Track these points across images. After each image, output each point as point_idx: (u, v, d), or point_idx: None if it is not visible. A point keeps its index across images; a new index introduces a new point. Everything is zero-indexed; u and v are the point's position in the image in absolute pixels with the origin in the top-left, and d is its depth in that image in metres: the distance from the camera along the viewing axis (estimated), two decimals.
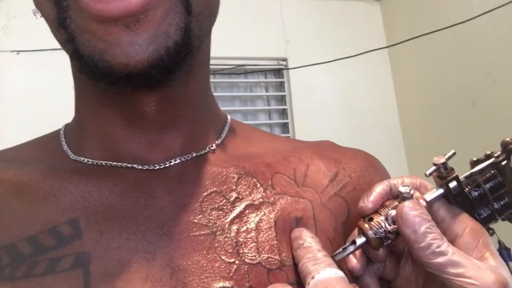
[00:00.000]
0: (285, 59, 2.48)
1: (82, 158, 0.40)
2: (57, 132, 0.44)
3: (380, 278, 0.39)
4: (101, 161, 0.39)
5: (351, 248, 0.35)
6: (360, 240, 0.35)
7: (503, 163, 0.36)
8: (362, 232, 0.35)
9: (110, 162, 0.39)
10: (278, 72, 2.52)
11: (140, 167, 0.39)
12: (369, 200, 0.36)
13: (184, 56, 0.34)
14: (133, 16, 0.30)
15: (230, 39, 2.19)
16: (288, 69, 2.46)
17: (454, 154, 0.36)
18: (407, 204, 0.34)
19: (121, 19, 0.30)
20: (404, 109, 2.52)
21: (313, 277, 0.32)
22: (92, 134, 0.40)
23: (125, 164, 0.39)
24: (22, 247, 0.33)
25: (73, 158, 0.40)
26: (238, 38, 2.24)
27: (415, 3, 2.35)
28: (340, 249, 0.35)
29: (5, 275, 0.32)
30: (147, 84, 0.35)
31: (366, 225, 0.35)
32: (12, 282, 0.32)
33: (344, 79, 2.51)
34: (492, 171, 0.36)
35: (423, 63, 2.30)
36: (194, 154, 0.41)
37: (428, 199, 0.35)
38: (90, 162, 0.39)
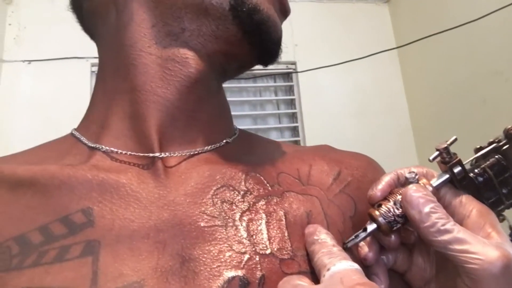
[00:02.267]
0: (293, 63, 2.48)
1: (100, 146, 0.40)
2: (69, 135, 0.45)
3: (392, 270, 0.40)
4: (119, 150, 0.40)
5: (363, 234, 0.37)
6: (371, 227, 0.37)
7: (505, 147, 0.37)
8: (372, 219, 0.37)
9: (130, 152, 0.40)
10: (287, 75, 2.52)
11: (157, 156, 0.39)
12: (378, 189, 0.38)
13: None
14: None
15: None
16: (297, 72, 2.46)
17: (455, 140, 0.37)
18: (410, 186, 0.35)
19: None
20: (414, 110, 2.50)
21: (328, 269, 0.32)
22: (115, 128, 0.41)
23: (143, 154, 0.40)
24: (33, 236, 0.34)
25: (92, 145, 0.41)
26: None
27: (423, 3, 2.34)
28: (353, 236, 0.37)
29: (13, 265, 0.32)
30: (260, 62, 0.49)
31: (376, 212, 0.37)
32: (20, 271, 0.32)
33: (354, 81, 2.50)
34: (496, 156, 0.37)
35: (432, 63, 2.29)
36: (207, 148, 0.42)
37: (434, 185, 0.37)
38: (109, 150, 0.40)
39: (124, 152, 0.40)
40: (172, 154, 0.40)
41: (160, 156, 0.40)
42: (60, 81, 2.03)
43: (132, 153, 0.40)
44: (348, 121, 2.43)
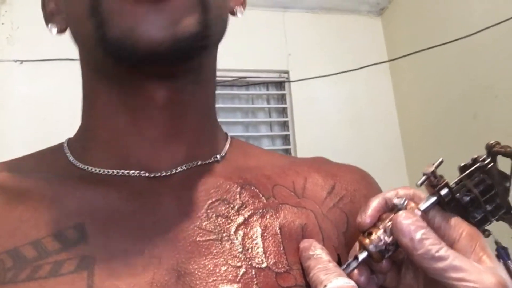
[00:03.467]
0: (286, 72, 2.50)
1: (88, 167, 0.40)
2: (60, 145, 0.45)
3: (382, 287, 0.40)
4: (107, 170, 0.40)
5: (354, 263, 0.36)
6: (362, 255, 0.36)
7: (489, 166, 0.37)
8: (363, 247, 0.36)
9: (117, 170, 0.40)
10: (279, 84, 2.53)
11: (146, 174, 0.40)
12: (367, 215, 0.37)
13: (200, 46, 0.37)
14: None
15: (232, 51, 2.20)
16: (290, 81, 2.47)
17: (441, 162, 0.37)
18: (400, 213, 0.35)
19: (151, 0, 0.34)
20: (405, 122, 2.52)
21: (325, 286, 0.32)
22: (99, 142, 0.42)
23: (132, 171, 0.40)
24: (26, 251, 0.33)
25: (80, 166, 0.41)
26: (240, 50, 2.26)
27: (416, 17, 2.37)
28: (344, 266, 0.36)
29: (7, 279, 0.32)
30: (165, 68, 0.38)
31: (367, 240, 0.36)
32: (15, 285, 0.32)
33: (346, 92, 2.52)
34: (481, 175, 0.37)
35: (424, 77, 2.31)
36: (199, 163, 0.42)
37: (422, 208, 0.36)
38: (97, 171, 0.40)
39: (113, 171, 0.40)
40: (164, 173, 0.40)
41: (152, 175, 0.40)
42: (53, 82, 2.02)
43: (122, 172, 0.40)
44: (339, 131, 2.44)
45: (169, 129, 0.41)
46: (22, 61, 2.12)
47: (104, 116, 0.41)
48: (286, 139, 2.47)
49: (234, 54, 2.23)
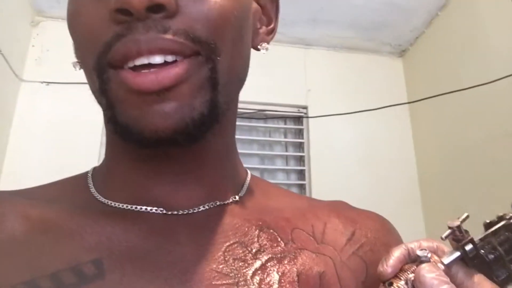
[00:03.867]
0: (305, 107, 2.51)
1: (109, 201, 0.41)
2: (85, 174, 0.46)
3: None
4: (127, 205, 0.40)
5: None
6: None
7: None
8: None
9: (136, 206, 0.40)
10: (297, 119, 2.55)
11: (164, 212, 0.40)
12: (389, 265, 0.36)
13: (209, 125, 0.37)
14: (164, 88, 0.34)
15: (252, 84, 2.22)
16: (308, 117, 2.48)
17: (467, 217, 0.37)
18: (423, 266, 0.34)
19: (155, 92, 0.34)
20: (422, 164, 2.49)
21: None
22: (119, 179, 0.42)
23: (150, 208, 0.40)
24: (43, 283, 0.33)
25: (101, 200, 0.41)
26: (260, 83, 2.29)
27: (437, 61, 2.38)
28: None
29: None
30: (174, 149, 0.39)
31: None
32: None
33: (364, 131, 2.51)
34: (506, 233, 0.37)
35: (443, 121, 2.30)
36: (218, 203, 0.42)
37: (445, 262, 0.36)
38: (117, 206, 0.40)
39: (132, 206, 0.40)
40: (181, 212, 0.40)
41: (170, 213, 0.40)
42: (78, 104, 2.07)
43: (140, 208, 0.40)
44: (355, 169, 2.43)
45: (188, 173, 0.41)
46: (48, 82, 2.17)
47: (121, 160, 0.42)
48: (301, 173, 2.46)
49: (254, 87, 2.25)
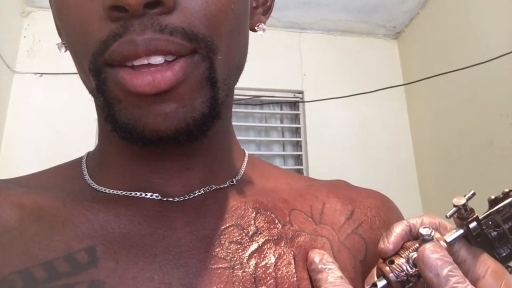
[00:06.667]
0: (301, 92, 2.50)
1: (102, 188, 0.40)
2: (79, 160, 0.45)
3: None
4: (121, 191, 0.40)
5: None
6: (381, 283, 0.34)
7: None
8: (383, 275, 0.34)
9: (131, 192, 0.40)
10: (293, 104, 2.54)
11: (159, 198, 0.39)
12: (390, 242, 0.36)
13: (211, 123, 0.36)
14: (162, 91, 0.33)
15: (248, 71, 2.20)
16: (304, 102, 2.48)
17: (474, 194, 0.36)
18: (428, 246, 0.33)
19: (152, 94, 0.33)
20: (418, 147, 2.50)
21: None
22: (113, 166, 0.42)
23: (145, 193, 0.40)
24: (37, 272, 0.33)
25: (94, 187, 0.41)
26: (256, 69, 2.27)
27: (432, 42, 2.37)
28: None
29: None
30: (174, 147, 0.39)
31: (387, 268, 0.34)
32: None
33: (360, 114, 2.51)
34: (511, 210, 0.36)
35: (439, 102, 2.30)
36: (214, 187, 0.42)
37: (448, 240, 0.35)
38: (111, 192, 0.40)
39: (126, 193, 0.40)
40: (177, 198, 0.40)
41: (165, 199, 0.40)
42: (71, 95, 2.05)
43: (134, 194, 0.40)
44: (352, 153, 2.43)
45: (183, 160, 0.41)
46: (41, 73, 2.16)
47: (116, 144, 0.41)
48: (298, 159, 2.46)
49: (249, 73, 2.23)
